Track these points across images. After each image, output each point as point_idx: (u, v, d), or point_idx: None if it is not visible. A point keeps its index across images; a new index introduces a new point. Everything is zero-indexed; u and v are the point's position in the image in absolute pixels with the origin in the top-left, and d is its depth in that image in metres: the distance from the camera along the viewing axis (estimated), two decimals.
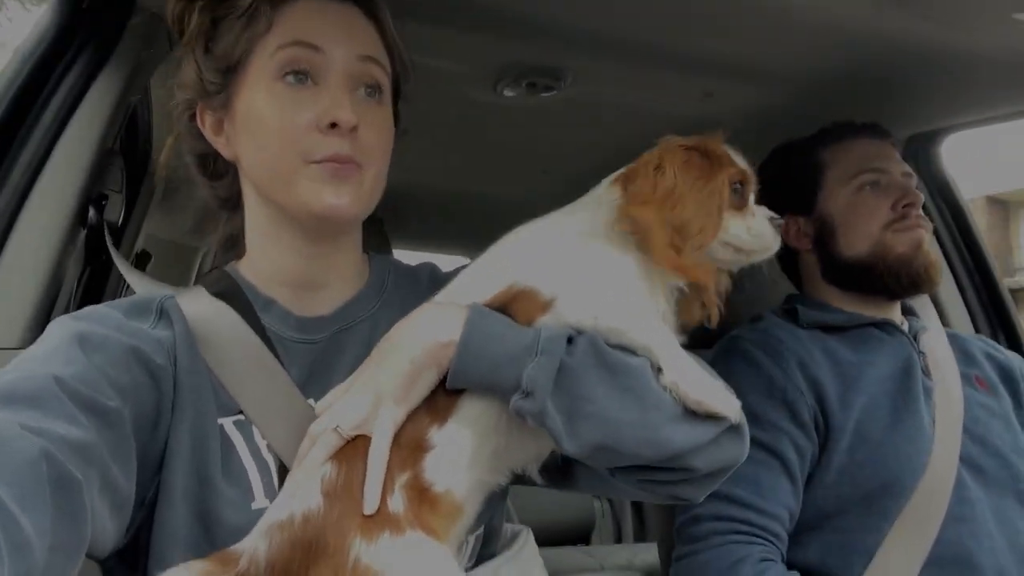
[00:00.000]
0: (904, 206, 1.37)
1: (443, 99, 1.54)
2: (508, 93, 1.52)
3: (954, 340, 1.44)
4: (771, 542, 1.21)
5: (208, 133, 0.90)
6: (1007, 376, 1.43)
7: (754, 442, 1.18)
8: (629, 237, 0.87)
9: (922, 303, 1.49)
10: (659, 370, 0.81)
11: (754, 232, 0.94)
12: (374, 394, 0.78)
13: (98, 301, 1.54)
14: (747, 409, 1.25)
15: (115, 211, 1.17)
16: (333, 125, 0.82)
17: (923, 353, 1.37)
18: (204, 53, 0.86)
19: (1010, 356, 1.49)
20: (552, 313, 0.83)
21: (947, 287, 1.80)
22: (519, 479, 0.90)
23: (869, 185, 1.40)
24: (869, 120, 1.46)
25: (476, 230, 3.00)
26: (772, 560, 1.20)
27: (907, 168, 1.44)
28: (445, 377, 0.79)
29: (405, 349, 0.79)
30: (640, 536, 3.08)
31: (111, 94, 1.12)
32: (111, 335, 0.76)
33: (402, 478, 0.77)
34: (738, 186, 0.94)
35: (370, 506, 0.73)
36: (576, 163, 2.11)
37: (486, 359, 0.78)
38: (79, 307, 1.19)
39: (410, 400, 0.79)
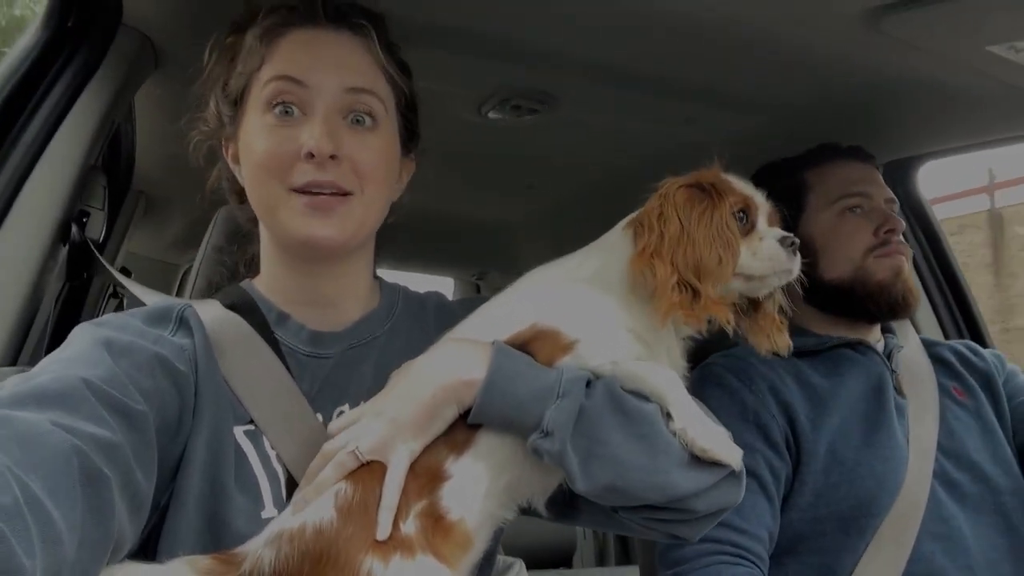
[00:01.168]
0: (886, 232, 1.38)
1: (428, 121, 1.55)
2: (493, 115, 1.54)
3: (931, 349, 1.46)
4: (755, 563, 1.21)
5: (230, 162, 0.95)
6: (986, 382, 1.43)
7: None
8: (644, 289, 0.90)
9: (899, 321, 1.50)
10: (668, 415, 0.84)
11: (761, 256, 0.94)
12: (393, 423, 0.80)
13: (77, 318, 1.52)
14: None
15: (97, 228, 1.16)
16: (311, 155, 0.84)
17: (895, 371, 1.38)
18: (222, 89, 0.92)
19: (988, 359, 1.48)
20: (573, 355, 0.86)
21: (923, 310, 1.82)
22: (524, 511, 0.92)
23: (851, 209, 1.40)
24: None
25: (462, 250, 3.02)
26: None
27: (890, 194, 1.44)
28: (465, 411, 0.81)
29: (428, 383, 0.81)
30: (622, 559, 3.06)
31: (95, 111, 1.12)
32: (136, 341, 0.78)
33: (418, 505, 0.78)
34: (741, 213, 0.95)
35: (383, 532, 0.75)
36: (560, 185, 2.13)
37: (509, 398, 0.80)
38: (57, 325, 1.18)
39: (428, 433, 0.81)
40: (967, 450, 1.31)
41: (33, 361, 1.06)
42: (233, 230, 1.21)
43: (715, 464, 0.84)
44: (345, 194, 0.87)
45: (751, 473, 1.24)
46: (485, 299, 1.06)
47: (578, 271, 0.96)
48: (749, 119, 1.55)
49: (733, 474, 0.86)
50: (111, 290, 1.68)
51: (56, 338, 1.25)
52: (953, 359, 1.46)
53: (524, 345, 0.86)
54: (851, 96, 1.40)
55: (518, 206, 2.36)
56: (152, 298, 1.01)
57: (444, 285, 3.46)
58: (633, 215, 0.98)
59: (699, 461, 0.83)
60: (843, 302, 1.40)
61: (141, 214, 1.99)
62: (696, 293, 0.87)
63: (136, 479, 0.68)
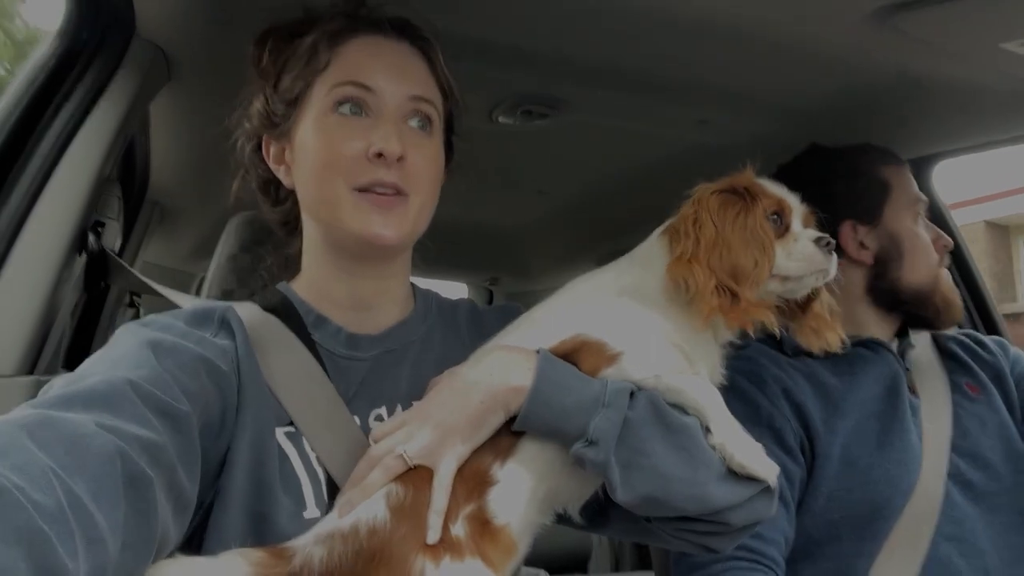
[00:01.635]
0: (942, 246, 1.40)
1: None
2: (503, 121, 1.54)
3: (939, 344, 1.44)
4: (771, 568, 1.20)
5: (271, 162, 0.97)
6: (995, 375, 1.41)
7: None
8: (683, 296, 0.91)
9: None
10: (707, 429, 0.87)
11: (796, 256, 0.95)
12: (441, 428, 0.81)
13: (95, 328, 1.53)
14: None
15: (112, 239, 1.17)
16: (379, 155, 0.87)
17: (908, 369, 1.36)
18: (273, 89, 0.93)
19: (994, 349, 1.46)
20: (617, 367, 0.87)
21: None
22: (559, 518, 0.93)
23: (921, 217, 1.41)
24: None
25: (474, 256, 3.02)
26: None
27: None
28: (510, 417, 0.83)
29: (476, 390, 0.82)
30: (637, 565, 3.04)
31: (110, 123, 1.13)
32: (180, 342, 0.79)
33: (467, 508, 0.80)
34: (775, 216, 0.96)
35: (433, 536, 0.76)
36: (572, 189, 2.13)
37: (555, 407, 0.82)
38: (75, 333, 1.19)
39: (476, 439, 0.82)
40: (982, 448, 1.29)
41: (50, 370, 1.07)
42: (249, 238, 1.22)
43: (751, 479, 0.86)
44: (404, 195, 0.89)
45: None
46: (515, 307, 1.07)
47: (618, 282, 0.96)
48: (763, 120, 1.54)
49: (767, 489, 0.88)
50: (128, 300, 1.69)
51: (73, 347, 1.26)
52: (961, 353, 1.44)
53: (568, 355, 0.87)
54: (866, 95, 1.39)
55: (530, 211, 2.36)
56: (184, 299, 1.02)
57: (457, 291, 3.46)
58: (667, 223, 0.98)
59: (736, 475, 0.86)
60: (916, 307, 1.39)
61: (156, 224, 2.01)
62: (735, 296, 0.89)
63: (180, 480, 0.69)
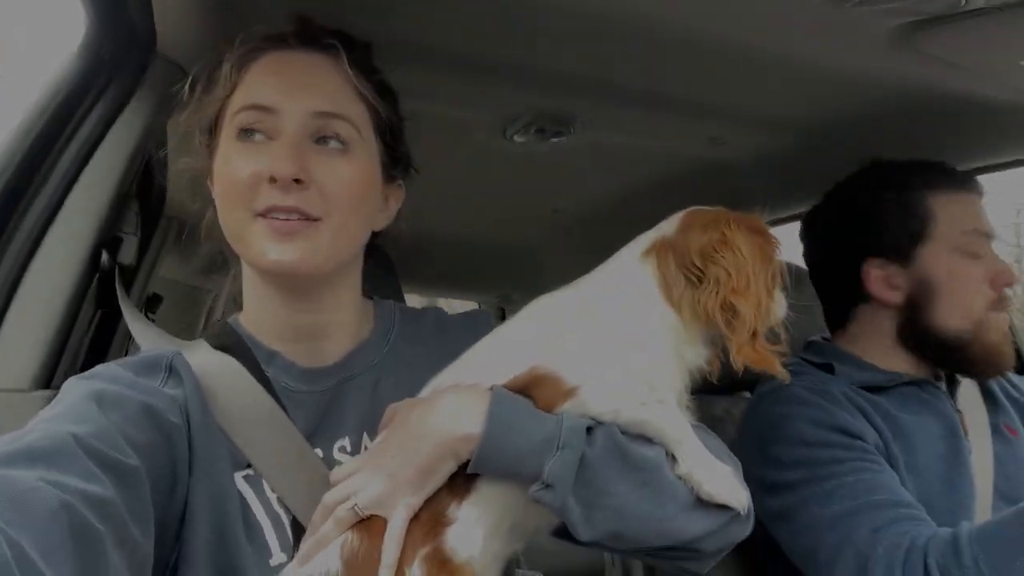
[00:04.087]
0: (1004, 285, 1.25)
1: (453, 145, 1.56)
2: (518, 139, 1.54)
3: (983, 383, 1.37)
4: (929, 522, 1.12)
5: (215, 195, 0.92)
6: None
7: (854, 461, 1.15)
8: (667, 315, 0.86)
9: None
10: (673, 458, 0.83)
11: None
12: (392, 479, 0.78)
13: (109, 344, 1.54)
14: (818, 439, 1.17)
15: (129, 254, 1.18)
16: (273, 179, 0.82)
17: (960, 411, 1.30)
18: (198, 119, 0.91)
19: (1021, 386, 1.41)
20: (574, 401, 0.82)
21: None
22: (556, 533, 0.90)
23: (973, 253, 1.26)
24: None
25: (486, 274, 3.02)
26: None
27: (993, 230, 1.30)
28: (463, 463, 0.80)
29: (425, 439, 0.79)
30: None
31: (129, 140, 1.14)
32: (125, 393, 0.76)
33: (424, 550, 0.77)
34: None
35: None
36: (585, 207, 2.13)
37: (508, 452, 0.78)
38: (91, 350, 1.20)
39: (427, 489, 0.79)
40: (1022, 494, 1.22)
41: None
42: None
43: (722, 506, 0.84)
44: (312, 219, 0.84)
45: (876, 463, 1.14)
46: (483, 315, 1.02)
47: (592, 301, 0.89)
48: (777, 137, 1.54)
49: (740, 514, 0.85)
50: (143, 315, 1.69)
51: (89, 363, 1.26)
52: (997, 391, 1.37)
53: (525, 389, 0.83)
54: (884, 114, 1.38)
55: (543, 229, 2.36)
56: (144, 333, 1.00)
57: (467, 311, 3.46)
58: (648, 239, 0.92)
59: (706, 504, 0.83)
60: (951, 355, 1.28)
61: (173, 240, 2.02)
62: (755, 335, 0.85)
63: (132, 535, 0.66)
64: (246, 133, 0.85)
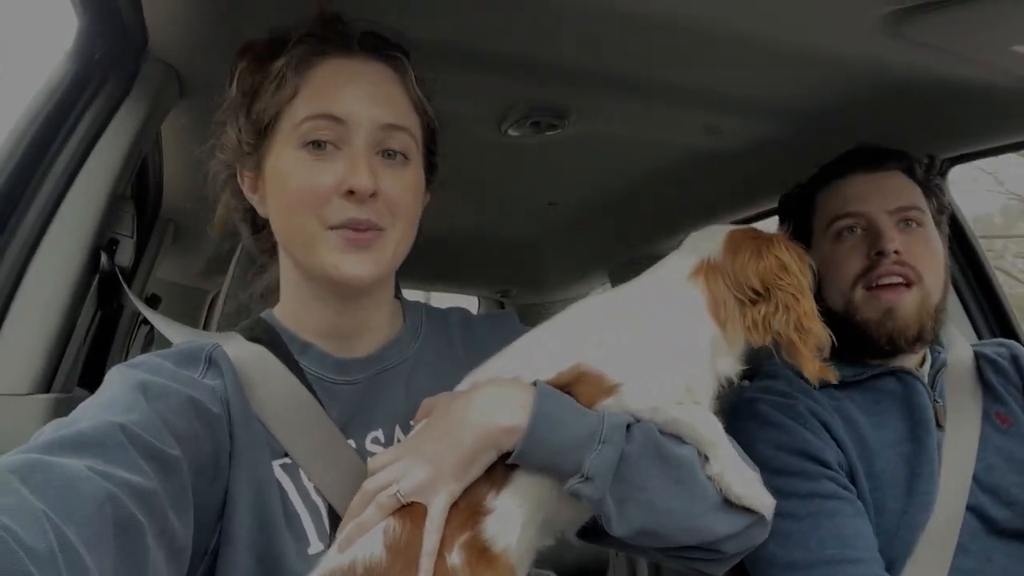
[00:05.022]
0: (876, 254, 1.25)
1: (448, 139, 1.56)
2: (513, 132, 1.54)
3: (980, 366, 1.34)
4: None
5: (246, 191, 0.94)
6: None
7: (811, 496, 1.17)
8: (711, 330, 0.93)
9: (945, 329, 1.38)
10: (705, 458, 0.88)
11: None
12: (434, 467, 0.80)
13: (109, 347, 1.54)
14: (779, 465, 1.19)
15: (126, 256, 1.18)
16: (351, 192, 0.84)
17: (938, 401, 1.28)
18: (244, 116, 0.90)
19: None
20: (615, 398, 0.86)
21: (956, 312, 1.78)
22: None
23: (845, 231, 1.30)
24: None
25: (485, 268, 3.02)
26: None
27: (908, 201, 1.29)
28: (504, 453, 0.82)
29: (469, 429, 0.82)
30: None
31: (123, 141, 1.14)
32: (170, 384, 0.77)
33: (462, 538, 0.80)
34: None
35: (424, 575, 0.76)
36: (582, 200, 2.13)
37: (550, 445, 0.81)
38: (89, 353, 1.20)
39: (468, 477, 0.82)
40: (1006, 484, 1.21)
41: (66, 389, 1.07)
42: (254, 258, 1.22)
43: (747, 509, 0.87)
44: (379, 230, 0.86)
45: (833, 496, 1.17)
46: (508, 315, 1.05)
47: (636, 307, 0.95)
48: (771, 126, 1.54)
49: (763, 517, 0.90)
50: (142, 317, 1.70)
51: (89, 365, 1.27)
52: (994, 378, 1.33)
53: (568, 386, 0.87)
54: (876, 100, 1.38)
55: (541, 222, 2.36)
56: (173, 330, 1.01)
57: (468, 304, 3.46)
58: (698, 257, 0.97)
59: (732, 506, 0.87)
60: (848, 336, 1.27)
61: (170, 241, 2.02)
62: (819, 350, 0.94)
63: (172, 526, 0.68)
64: (317, 145, 0.85)
